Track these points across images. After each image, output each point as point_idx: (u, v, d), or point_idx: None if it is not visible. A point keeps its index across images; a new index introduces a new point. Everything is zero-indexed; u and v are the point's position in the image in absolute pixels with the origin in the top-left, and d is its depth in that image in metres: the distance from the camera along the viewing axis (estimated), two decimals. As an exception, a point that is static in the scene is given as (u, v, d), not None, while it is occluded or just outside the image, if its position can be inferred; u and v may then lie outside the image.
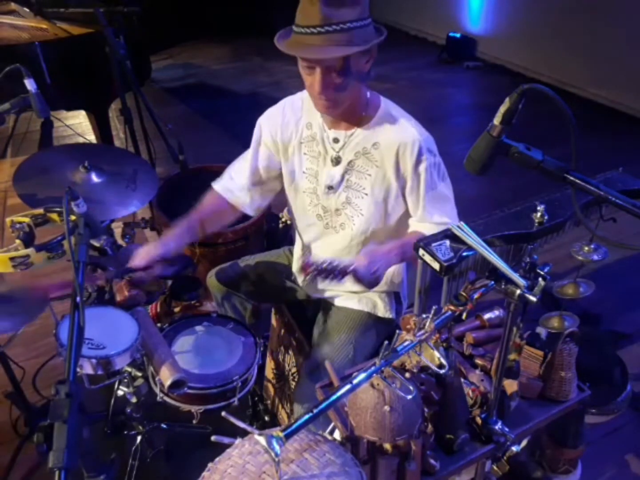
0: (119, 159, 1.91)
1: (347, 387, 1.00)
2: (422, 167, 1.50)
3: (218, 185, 1.78)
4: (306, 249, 1.79)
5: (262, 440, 0.92)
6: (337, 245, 1.68)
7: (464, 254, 1.13)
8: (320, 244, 1.73)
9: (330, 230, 1.67)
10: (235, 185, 1.75)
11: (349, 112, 1.52)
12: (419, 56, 6.58)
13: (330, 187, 1.61)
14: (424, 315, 1.11)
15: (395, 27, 7.53)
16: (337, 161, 1.58)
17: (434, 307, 1.10)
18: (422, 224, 1.55)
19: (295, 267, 1.88)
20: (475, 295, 1.08)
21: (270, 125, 1.65)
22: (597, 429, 2.07)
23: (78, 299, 1.01)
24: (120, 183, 1.79)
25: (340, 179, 1.58)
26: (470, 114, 5.31)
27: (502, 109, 0.99)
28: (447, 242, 1.15)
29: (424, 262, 1.17)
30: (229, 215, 1.80)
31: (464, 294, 1.09)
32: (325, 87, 1.39)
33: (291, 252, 1.96)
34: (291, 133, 1.63)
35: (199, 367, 1.61)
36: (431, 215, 1.54)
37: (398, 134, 1.50)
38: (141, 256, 1.60)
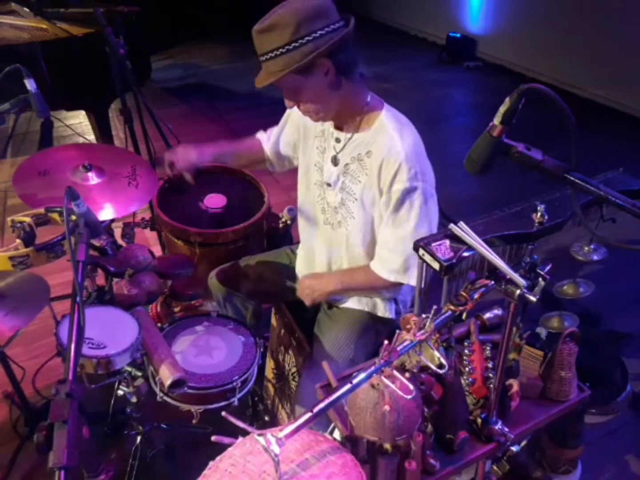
0: (119, 159, 1.90)
1: (347, 387, 1.00)
2: (395, 188, 1.46)
3: (259, 133, 1.94)
4: (310, 246, 1.80)
5: (261, 440, 0.92)
6: (335, 242, 1.70)
7: (464, 254, 1.13)
8: (321, 241, 1.74)
9: (328, 227, 1.69)
10: (268, 139, 1.90)
11: (345, 117, 1.53)
12: (419, 56, 6.58)
13: (328, 184, 1.64)
14: (424, 315, 1.11)
15: (395, 27, 7.55)
16: (335, 161, 1.60)
17: (434, 307, 1.10)
18: (378, 256, 1.60)
19: (299, 266, 1.88)
20: (475, 295, 1.08)
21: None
22: (597, 429, 2.06)
23: (78, 298, 1.01)
24: (120, 182, 1.79)
25: (337, 179, 1.61)
26: (470, 114, 5.32)
27: (502, 109, 0.99)
28: (447, 242, 1.15)
29: (424, 262, 1.17)
30: (258, 159, 1.94)
31: (464, 294, 1.09)
32: (289, 101, 1.49)
33: (292, 252, 1.96)
34: (312, 126, 1.68)
35: (198, 367, 1.61)
36: (387, 238, 1.55)
37: (385, 148, 1.47)
38: (181, 159, 1.80)
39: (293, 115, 1.75)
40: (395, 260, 1.54)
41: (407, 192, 1.46)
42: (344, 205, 1.61)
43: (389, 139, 1.47)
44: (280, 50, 1.34)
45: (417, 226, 1.49)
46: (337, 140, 1.58)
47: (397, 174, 1.45)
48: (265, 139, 1.91)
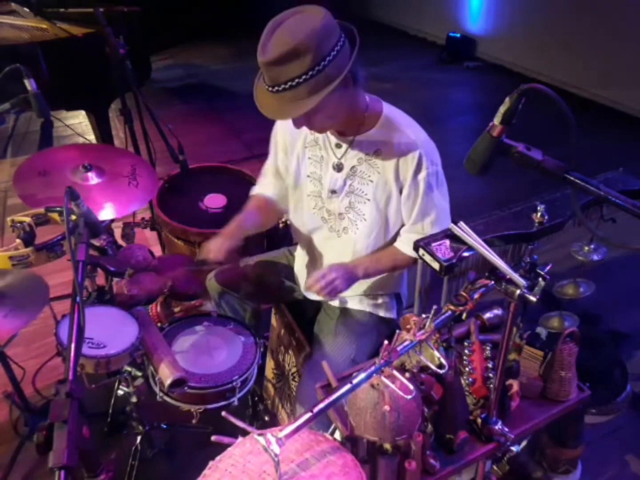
0: (119, 159, 1.90)
1: (347, 387, 1.00)
2: (421, 176, 1.49)
3: (257, 189, 1.85)
4: (309, 253, 1.79)
5: (261, 440, 0.92)
6: (339, 249, 1.68)
7: (464, 254, 1.13)
8: (323, 248, 1.73)
9: (334, 234, 1.67)
10: (268, 188, 1.81)
11: (348, 122, 1.51)
12: (419, 56, 6.58)
13: (333, 192, 1.61)
14: (424, 315, 1.11)
15: (395, 27, 7.54)
16: (339, 167, 1.58)
17: (434, 307, 1.10)
18: (406, 239, 1.59)
19: (297, 267, 1.88)
20: (475, 295, 1.08)
21: (283, 127, 1.68)
22: (597, 429, 2.06)
23: (78, 298, 1.01)
24: (120, 182, 1.79)
25: (343, 184, 1.59)
26: (470, 114, 5.31)
27: (502, 109, 0.99)
28: (447, 242, 1.15)
29: (424, 262, 1.17)
30: (272, 216, 1.88)
31: (464, 294, 1.09)
32: (300, 124, 1.43)
33: (291, 253, 1.95)
34: (297, 137, 1.64)
35: (198, 367, 1.61)
36: (420, 225, 1.56)
37: (399, 142, 1.49)
38: (216, 251, 1.66)
39: (277, 137, 1.70)
40: None
41: (431, 177, 1.50)
42: (353, 209, 1.60)
43: (399, 134, 1.49)
44: (304, 77, 1.28)
45: (443, 205, 1.55)
46: (338, 145, 1.56)
47: (420, 163, 1.48)
48: (265, 188, 1.82)
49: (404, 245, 1.61)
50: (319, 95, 1.31)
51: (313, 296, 1.81)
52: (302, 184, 1.68)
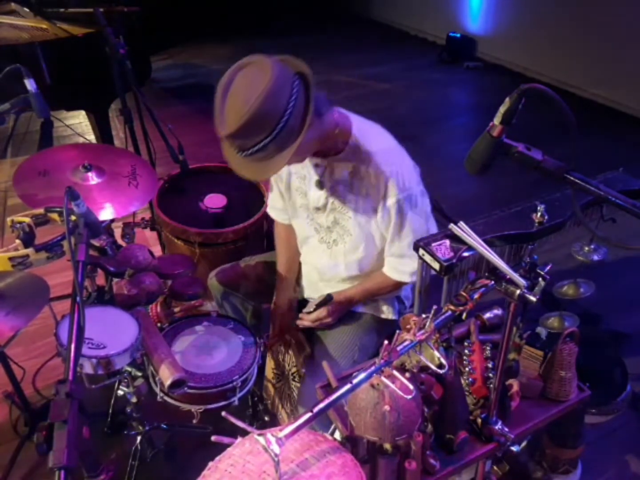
0: (119, 159, 1.90)
1: (347, 387, 1.00)
2: (390, 202, 1.48)
3: (273, 213, 1.89)
4: (307, 259, 1.81)
5: (261, 440, 0.92)
6: (332, 259, 1.69)
7: (464, 254, 1.13)
8: (318, 258, 1.74)
9: (324, 245, 1.69)
10: (278, 202, 1.82)
11: (321, 147, 1.47)
12: (419, 56, 6.57)
13: (317, 208, 1.63)
14: (424, 315, 1.11)
15: (395, 27, 7.54)
16: (321, 185, 1.58)
17: (434, 307, 1.09)
18: (388, 264, 1.63)
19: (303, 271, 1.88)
20: (475, 295, 1.08)
21: None
22: (597, 429, 2.06)
23: (78, 298, 1.01)
24: (120, 182, 1.79)
25: (325, 201, 1.59)
26: (470, 114, 5.31)
27: (502, 109, 0.99)
28: (447, 242, 1.15)
29: (424, 262, 1.17)
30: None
31: (464, 294, 1.08)
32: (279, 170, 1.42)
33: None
34: None
35: (199, 367, 1.61)
36: (397, 246, 1.57)
37: (367, 171, 1.47)
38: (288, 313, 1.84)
39: None
40: (411, 262, 1.56)
41: (403, 202, 1.48)
42: (338, 224, 1.61)
43: (368, 160, 1.47)
44: (269, 138, 1.26)
45: (420, 227, 1.52)
46: (316, 165, 1.55)
47: (387, 189, 1.46)
48: (278, 212, 1.86)
49: (392, 272, 1.63)
50: (289, 150, 1.29)
51: (314, 295, 1.81)
52: (294, 197, 1.70)
